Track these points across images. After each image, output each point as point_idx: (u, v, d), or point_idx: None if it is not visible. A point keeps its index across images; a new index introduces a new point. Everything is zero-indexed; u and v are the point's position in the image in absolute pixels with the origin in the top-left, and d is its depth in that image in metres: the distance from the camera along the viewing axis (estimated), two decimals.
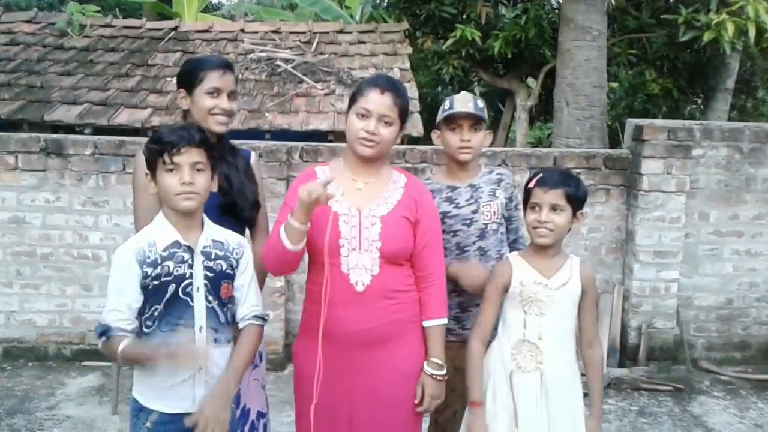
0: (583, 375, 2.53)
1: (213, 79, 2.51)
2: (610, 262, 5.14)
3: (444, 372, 2.41)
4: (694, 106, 9.93)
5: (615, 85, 9.55)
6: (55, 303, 4.94)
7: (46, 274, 4.92)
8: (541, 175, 2.47)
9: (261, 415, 2.63)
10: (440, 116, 2.71)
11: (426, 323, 2.40)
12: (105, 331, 2.07)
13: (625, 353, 5.03)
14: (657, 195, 4.91)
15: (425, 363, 2.39)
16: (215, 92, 2.51)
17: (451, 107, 2.67)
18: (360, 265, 2.30)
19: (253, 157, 2.74)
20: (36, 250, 4.90)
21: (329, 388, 2.33)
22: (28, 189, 4.86)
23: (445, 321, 2.43)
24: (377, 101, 2.30)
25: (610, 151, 5.39)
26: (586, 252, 5.10)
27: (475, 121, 2.66)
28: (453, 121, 2.67)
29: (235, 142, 2.77)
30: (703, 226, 5.09)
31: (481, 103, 2.70)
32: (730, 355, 5.19)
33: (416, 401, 2.38)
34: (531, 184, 2.47)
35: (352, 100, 2.37)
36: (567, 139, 6.38)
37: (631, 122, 5.17)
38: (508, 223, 2.78)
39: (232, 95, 2.55)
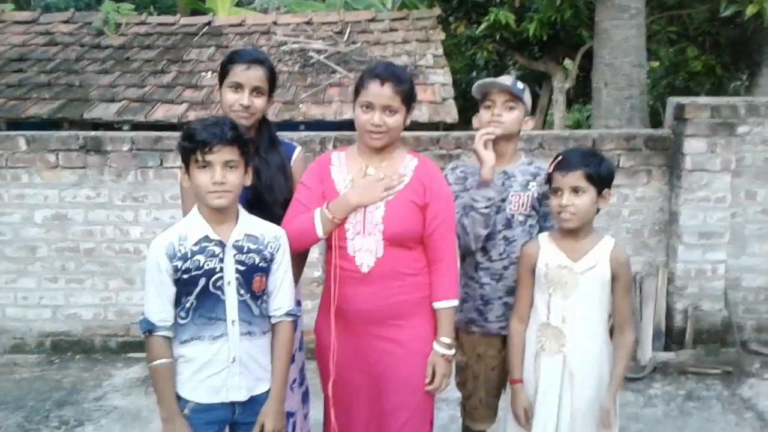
0: None
1: (236, 73, 2.49)
2: (653, 245, 5.02)
3: (453, 352, 2.45)
4: (739, 83, 9.65)
5: (655, 63, 9.35)
6: (100, 297, 5.03)
7: (89, 268, 5.01)
8: (560, 158, 2.42)
9: (289, 414, 2.63)
10: (475, 87, 2.66)
11: (436, 304, 2.42)
12: (150, 329, 2.15)
13: (671, 337, 4.91)
14: (701, 174, 4.77)
15: (435, 343, 2.41)
16: (236, 87, 2.49)
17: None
18: (364, 248, 2.36)
19: (297, 154, 2.68)
20: (79, 245, 5.00)
21: (345, 364, 2.44)
22: (69, 186, 4.95)
23: (455, 303, 2.44)
24: (378, 93, 2.32)
25: (650, 131, 5.25)
26: (629, 234, 4.99)
27: (510, 98, 2.59)
28: (488, 98, 2.62)
29: (283, 134, 2.71)
30: (750, 205, 4.92)
31: (521, 85, 2.63)
32: None
33: (427, 380, 2.41)
34: (551, 169, 2.43)
35: (356, 92, 2.39)
36: (606, 120, 6.25)
37: (673, 101, 5.03)
38: (542, 219, 2.68)
39: (256, 91, 2.51)
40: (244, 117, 2.48)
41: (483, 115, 2.63)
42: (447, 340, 2.41)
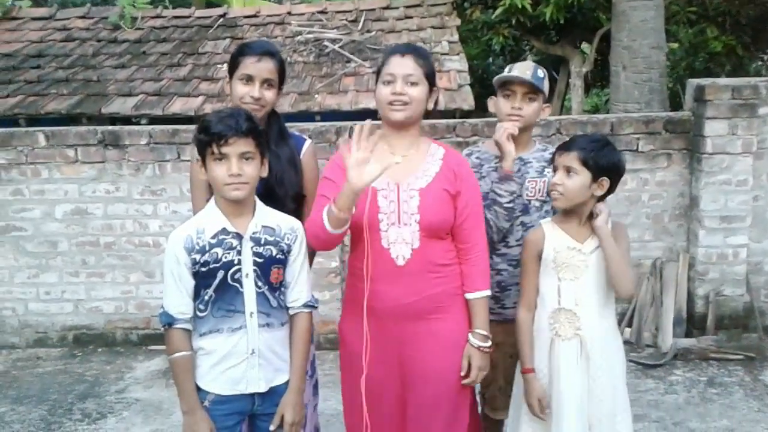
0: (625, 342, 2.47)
1: (246, 65, 2.48)
2: (673, 230, 4.97)
3: (489, 344, 2.40)
4: (760, 63, 9.49)
5: (674, 45, 9.18)
6: (120, 290, 5.09)
7: (110, 262, 5.07)
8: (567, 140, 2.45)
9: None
10: (496, 80, 2.66)
11: (469, 295, 2.38)
12: (169, 322, 2.15)
13: (692, 323, 4.87)
14: (722, 157, 4.70)
15: (470, 335, 2.37)
16: (247, 79, 2.48)
17: (509, 72, 2.62)
18: (400, 239, 2.29)
19: (306, 146, 2.66)
20: (99, 239, 5.05)
21: (377, 362, 2.35)
22: (89, 180, 4.99)
23: (488, 293, 2.41)
24: (399, 63, 2.32)
25: (670, 114, 5.18)
26: (648, 220, 4.95)
27: (530, 90, 2.59)
28: (507, 87, 2.61)
29: (291, 126, 2.72)
30: None
31: (541, 74, 2.61)
32: None
33: (462, 374, 2.36)
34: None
35: (378, 74, 2.38)
36: (625, 104, 6.16)
37: (692, 83, 4.96)
38: None
39: (266, 83, 2.50)
40: (255, 109, 2.47)
41: (502, 105, 2.63)
42: (482, 332, 2.37)
